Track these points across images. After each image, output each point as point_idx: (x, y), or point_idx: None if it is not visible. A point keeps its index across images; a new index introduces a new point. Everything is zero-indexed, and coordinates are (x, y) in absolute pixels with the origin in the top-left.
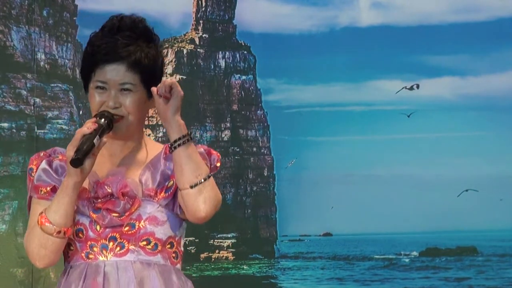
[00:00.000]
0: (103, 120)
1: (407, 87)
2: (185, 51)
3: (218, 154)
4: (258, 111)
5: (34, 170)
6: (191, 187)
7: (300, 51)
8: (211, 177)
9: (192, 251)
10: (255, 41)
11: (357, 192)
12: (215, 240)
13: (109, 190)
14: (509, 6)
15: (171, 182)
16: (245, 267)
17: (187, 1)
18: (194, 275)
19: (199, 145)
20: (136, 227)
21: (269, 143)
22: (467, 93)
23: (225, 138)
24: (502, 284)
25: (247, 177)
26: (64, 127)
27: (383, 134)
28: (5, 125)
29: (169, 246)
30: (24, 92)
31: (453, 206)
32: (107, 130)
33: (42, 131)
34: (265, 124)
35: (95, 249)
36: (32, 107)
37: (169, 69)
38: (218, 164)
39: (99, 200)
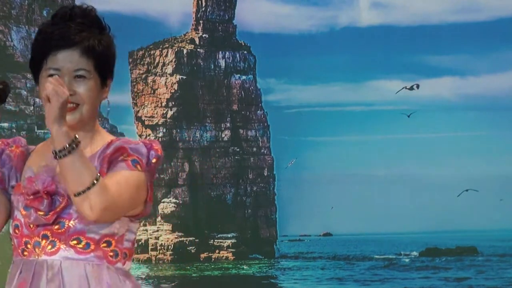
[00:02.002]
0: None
1: (407, 87)
2: (185, 51)
3: (160, 150)
4: (258, 111)
5: None
6: (75, 195)
7: (300, 51)
8: (99, 182)
9: (192, 251)
10: (255, 41)
11: (357, 192)
12: (215, 240)
13: (36, 188)
14: (509, 6)
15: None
16: (245, 267)
17: (187, 1)
18: (194, 275)
19: (141, 140)
20: (66, 225)
21: (269, 143)
22: (467, 93)
23: (225, 138)
24: (502, 284)
25: (247, 177)
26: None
27: (383, 134)
28: (5, 125)
29: (104, 245)
30: (24, 92)
31: (453, 206)
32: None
33: (42, 131)
34: (265, 124)
35: (29, 246)
36: (32, 107)
37: (169, 69)
38: (154, 161)
39: (30, 197)
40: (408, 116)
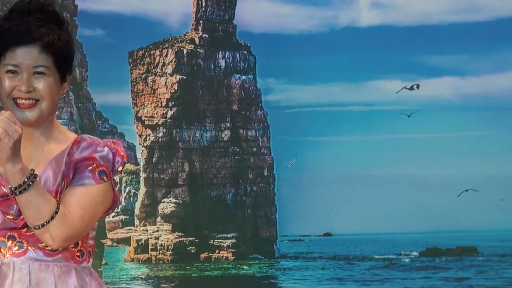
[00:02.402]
0: None
1: (407, 87)
2: (185, 51)
3: (125, 155)
4: (258, 111)
5: None
6: (35, 228)
7: (300, 51)
8: (58, 213)
9: (192, 251)
10: (255, 41)
11: (357, 192)
12: (215, 240)
13: (5, 191)
14: (509, 6)
15: (63, 182)
16: (245, 267)
17: (187, 1)
18: (194, 275)
19: (106, 141)
20: None
21: (269, 143)
22: (467, 93)
23: (225, 138)
24: (502, 284)
25: (247, 177)
26: (64, 127)
27: (383, 134)
28: None
29: (72, 246)
30: None
31: (453, 206)
32: None
33: None
34: (265, 124)
35: None
36: None
37: (169, 69)
38: (120, 169)
39: None
40: (408, 116)
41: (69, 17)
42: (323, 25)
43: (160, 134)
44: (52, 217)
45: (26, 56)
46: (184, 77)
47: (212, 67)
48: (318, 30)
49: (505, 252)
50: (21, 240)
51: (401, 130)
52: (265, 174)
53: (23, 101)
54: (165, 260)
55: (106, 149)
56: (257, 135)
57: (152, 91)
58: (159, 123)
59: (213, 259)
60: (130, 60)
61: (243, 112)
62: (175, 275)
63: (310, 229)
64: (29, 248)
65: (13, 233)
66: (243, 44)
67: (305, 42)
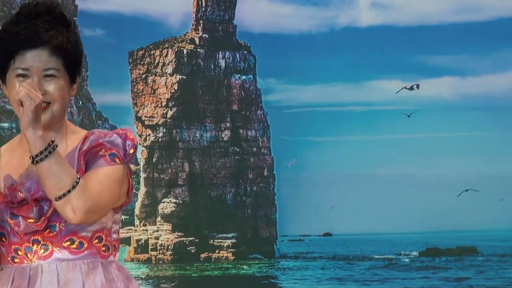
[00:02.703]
0: None
1: (407, 87)
2: (185, 51)
3: (135, 139)
4: (258, 111)
5: None
6: (56, 200)
7: (300, 51)
8: (79, 184)
9: (192, 251)
10: (255, 41)
11: (357, 192)
12: (215, 240)
13: (22, 196)
14: (509, 6)
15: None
16: (245, 267)
17: (187, 1)
18: (194, 275)
19: (114, 130)
20: (57, 228)
21: (269, 143)
22: (467, 93)
23: (225, 138)
24: (502, 284)
25: (247, 177)
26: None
27: (383, 134)
28: (5, 125)
29: (96, 241)
30: None
31: (453, 206)
32: None
33: None
34: (265, 124)
35: (19, 252)
36: None
37: (169, 69)
38: (132, 151)
39: (15, 205)
40: (408, 116)
41: (69, 17)
42: (323, 25)
43: (160, 134)
44: (73, 187)
45: (36, 59)
46: (184, 77)
47: (212, 67)
48: (318, 30)
49: (505, 252)
50: (45, 242)
51: (401, 130)
52: (265, 174)
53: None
54: (165, 260)
55: (114, 135)
56: (257, 135)
57: (152, 91)
58: (159, 123)
59: (213, 259)
60: (130, 60)
61: (243, 112)
62: (175, 275)
63: (310, 229)
64: (55, 249)
65: (37, 237)
66: (243, 44)
67: (305, 42)
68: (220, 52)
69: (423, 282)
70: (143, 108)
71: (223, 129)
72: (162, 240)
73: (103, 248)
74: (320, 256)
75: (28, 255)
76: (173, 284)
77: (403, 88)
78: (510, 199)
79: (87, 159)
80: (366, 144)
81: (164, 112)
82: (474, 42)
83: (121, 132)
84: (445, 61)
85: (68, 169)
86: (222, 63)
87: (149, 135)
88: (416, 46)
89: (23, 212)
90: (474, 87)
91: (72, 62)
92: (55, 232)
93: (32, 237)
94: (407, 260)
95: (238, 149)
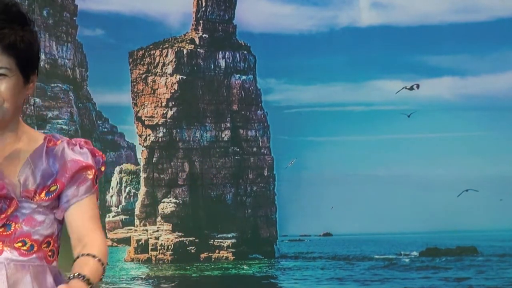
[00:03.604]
0: None
1: (407, 87)
2: (185, 51)
3: (103, 155)
4: (258, 111)
5: None
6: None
7: (300, 51)
8: (101, 261)
9: (192, 251)
10: (255, 41)
11: (357, 192)
12: (215, 240)
13: None
14: (509, 6)
15: (55, 187)
16: (245, 267)
17: (187, 1)
18: (194, 275)
19: (83, 141)
20: (12, 228)
21: (269, 143)
22: (467, 93)
23: (225, 138)
24: (502, 284)
25: (247, 177)
26: (64, 127)
27: (383, 134)
28: None
29: (45, 245)
30: None
31: (453, 206)
32: None
33: (42, 131)
34: (265, 124)
35: None
36: (32, 107)
37: (169, 69)
38: (103, 169)
39: None
40: (408, 116)
41: (69, 17)
42: (323, 25)
43: (160, 134)
44: (102, 264)
45: None
46: (184, 77)
47: (212, 67)
48: (318, 30)
49: (505, 252)
50: None
51: (401, 130)
52: (265, 174)
53: None
54: (165, 260)
55: (87, 152)
56: (257, 135)
57: (152, 91)
58: (159, 123)
59: (213, 259)
60: (130, 60)
61: (243, 112)
62: (175, 275)
63: (310, 229)
64: (5, 248)
65: None
66: (243, 44)
67: (305, 42)
68: (220, 52)
69: (423, 282)
70: (143, 108)
71: (223, 129)
72: (162, 240)
73: (50, 253)
74: (320, 256)
75: None
76: (173, 284)
77: (403, 88)
78: (510, 199)
79: (76, 177)
80: (366, 144)
81: (164, 112)
82: (474, 42)
83: (90, 148)
84: (445, 61)
85: (96, 275)
86: (222, 63)
87: (149, 135)
88: (416, 46)
89: None
90: (474, 87)
91: (25, 62)
92: (10, 232)
93: None
94: (407, 260)
95: (238, 149)
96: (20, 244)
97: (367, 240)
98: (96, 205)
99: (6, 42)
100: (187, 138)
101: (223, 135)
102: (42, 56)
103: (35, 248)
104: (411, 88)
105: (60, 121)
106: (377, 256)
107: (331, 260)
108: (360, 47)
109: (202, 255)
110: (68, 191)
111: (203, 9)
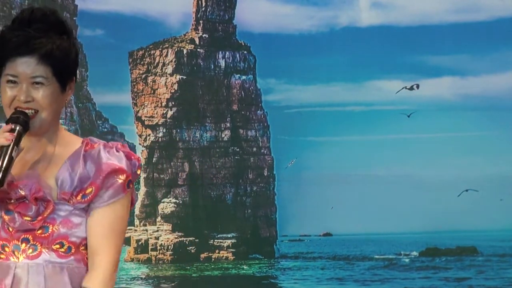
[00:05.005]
0: (19, 127)
1: (407, 87)
2: (185, 51)
3: (139, 159)
4: (258, 111)
5: None
6: None
7: (300, 51)
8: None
9: (192, 251)
10: (255, 41)
11: (357, 192)
12: (215, 240)
13: (22, 193)
14: (509, 6)
15: (91, 190)
16: (245, 267)
17: (187, 1)
18: (194, 275)
19: (119, 145)
20: (50, 230)
21: (269, 143)
22: (467, 93)
23: (225, 138)
24: (502, 284)
25: (247, 177)
26: (64, 127)
27: (383, 134)
28: (3, 124)
29: (83, 248)
30: None
31: (453, 206)
32: (23, 134)
33: None
34: (265, 124)
35: (6, 249)
36: None
37: (169, 69)
38: (139, 172)
39: (12, 201)
40: (408, 116)
41: (69, 17)
42: (323, 25)
43: (160, 134)
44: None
45: (24, 66)
46: (184, 77)
47: (212, 67)
48: (318, 30)
49: (505, 252)
50: (35, 242)
51: (401, 130)
52: (265, 174)
53: (25, 110)
54: (165, 260)
55: (123, 157)
56: (257, 135)
57: (152, 91)
58: (159, 123)
59: (213, 259)
60: (130, 60)
61: (243, 112)
62: (175, 275)
63: (310, 229)
64: (43, 250)
65: (27, 236)
66: (243, 44)
67: (305, 42)
68: (220, 52)
69: (423, 282)
70: (143, 108)
71: (223, 129)
72: (162, 240)
73: (87, 256)
74: (320, 256)
75: (16, 252)
76: (173, 284)
77: (403, 88)
78: (510, 199)
79: (108, 180)
80: (366, 144)
81: (164, 112)
82: (474, 42)
83: (126, 151)
84: (445, 61)
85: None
86: (222, 63)
87: (149, 135)
88: (416, 46)
89: (21, 209)
90: (474, 87)
91: (62, 70)
92: (48, 234)
93: (23, 236)
94: (407, 260)
95: (238, 149)
96: (57, 246)
97: (367, 240)
98: (124, 213)
99: (43, 51)
100: (187, 138)
101: (223, 135)
102: None
103: (73, 250)
104: (411, 88)
105: (60, 121)
106: (377, 256)
107: (331, 260)
108: (360, 47)
109: (202, 255)
110: (100, 195)
111: (203, 9)
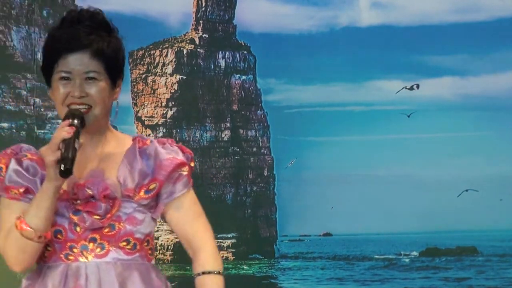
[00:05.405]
0: (76, 120)
1: (407, 87)
2: (185, 51)
3: (191, 152)
4: (258, 111)
5: (4, 170)
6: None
7: (300, 51)
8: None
9: None
10: (255, 41)
11: (357, 192)
12: (215, 240)
13: (90, 193)
14: (509, 6)
15: (154, 185)
16: (245, 267)
17: (187, 1)
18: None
19: (170, 140)
20: (116, 228)
21: (269, 143)
22: (467, 93)
23: (225, 138)
24: (502, 284)
25: (247, 177)
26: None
27: (383, 134)
28: (5, 125)
29: (146, 244)
30: (24, 92)
31: (453, 206)
32: (81, 129)
33: (42, 131)
34: (265, 124)
35: (75, 250)
36: (32, 107)
37: (169, 69)
38: (193, 164)
39: (79, 202)
40: (408, 116)
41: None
42: (323, 25)
43: (160, 134)
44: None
45: (77, 62)
46: (184, 77)
47: (212, 67)
48: (318, 30)
49: (505, 252)
50: (102, 241)
51: (401, 130)
52: (265, 174)
53: (77, 106)
54: (165, 260)
55: (178, 151)
56: (257, 135)
57: (152, 91)
58: (159, 123)
59: None
60: (130, 60)
61: (243, 112)
62: (175, 275)
63: (310, 229)
64: (111, 248)
65: (95, 235)
66: (243, 44)
67: (305, 42)
68: (220, 52)
69: (423, 282)
70: (143, 108)
71: (223, 129)
72: (162, 240)
73: (150, 252)
74: (320, 256)
75: (84, 253)
76: (173, 284)
77: (403, 88)
78: (510, 199)
79: (173, 175)
80: (366, 144)
81: (164, 112)
82: (474, 42)
83: (179, 145)
84: (445, 61)
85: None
86: (222, 63)
87: (149, 135)
88: (416, 46)
89: (90, 208)
90: (474, 87)
91: (112, 66)
92: (114, 231)
93: (90, 235)
94: (407, 260)
95: (238, 149)
96: (124, 243)
97: (367, 240)
98: (197, 200)
99: (95, 48)
100: (187, 138)
101: (223, 135)
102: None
103: (138, 247)
104: (411, 88)
105: (60, 121)
106: (377, 256)
107: (331, 260)
108: (360, 47)
109: None
110: (166, 189)
111: (203, 9)
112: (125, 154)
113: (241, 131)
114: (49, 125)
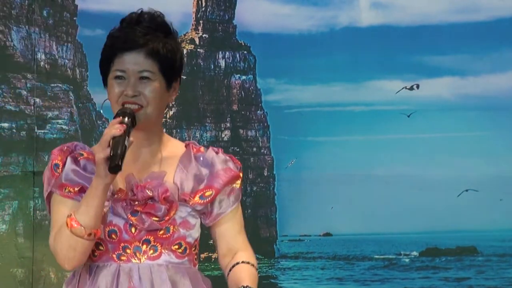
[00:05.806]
0: (127, 118)
1: (407, 87)
2: (185, 51)
3: (239, 162)
4: (258, 111)
5: (60, 166)
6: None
7: (300, 51)
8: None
9: None
10: (255, 41)
11: (357, 192)
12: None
13: (150, 194)
14: (509, 6)
15: (210, 192)
16: None
17: (187, 1)
18: None
19: (221, 150)
20: (171, 231)
21: (269, 143)
22: (467, 93)
23: (225, 138)
24: (502, 284)
25: (247, 177)
26: (64, 127)
27: (383, 134)
28: (5, 125)
29: (193, 248)
30: (24, 92)
31: (453, 206)
32: (132, 128)
33: (42, 131)
34: (265, 124)
35: (128, 251)
36: (32, 107)
37: None
38: (241, 175)
39: (137, 203)
40: (408, 116)
41: (69, 17)
42: (323, 25)
43: None
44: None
45: (132, 61)
46: (184, 77)
47: (212, 67)
48: (318, 30)
49: (505, 252)
50: (155, 243)
51: (401, 130)
52: (265, 174)
53: (130, 105)
54: None
55: (231, 161)
56: (257, 135)
57: None
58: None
59: (213, 259)
60: None
61: (243, 112)
62: None
63: (310, 229)
64: (163, 251)
65: (149, 237)
66: (243, 44)
67: (305, 42)
68: (220, 52)
69: (423, 282)
70: None
71: (223, 129)
72: None
73: (195, 257)
74: (320, 256)
75: (137, 254)
76: None
77: (403, 88)
78: (510, 199)
79: (228, 186)
80: (366, 144)
81: (164, 112)
82: (474, 42)
83: (229, 156)
84: (445, 61)
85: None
86: (222, 63)
87: None
88: (416, 46)
89: (149, 209)
90: (474, 87)
91: (168, 67)
92: (169, 234)
93: (144, 237)
94: (407, 260)
95: (238, 149)
96: (176, 246)
97: (367, 240)
98: (240, 210)
99: (150, 47)
100: (187, 138)
101: (223, 135)
102: (42, 56)
103: (187, 251)
104: (411, 88)
105: (60, 121)
106: (377, 256)
107: (331, 260)
108: (360, 47)
109: (202, 255)
110: (221, 200)
111: (203, 9)
112: (180, 158)
113: (241, 131)
114: (49, 125)
